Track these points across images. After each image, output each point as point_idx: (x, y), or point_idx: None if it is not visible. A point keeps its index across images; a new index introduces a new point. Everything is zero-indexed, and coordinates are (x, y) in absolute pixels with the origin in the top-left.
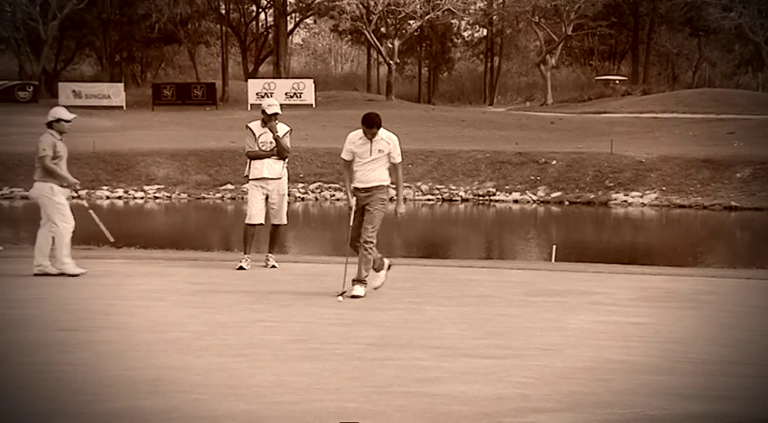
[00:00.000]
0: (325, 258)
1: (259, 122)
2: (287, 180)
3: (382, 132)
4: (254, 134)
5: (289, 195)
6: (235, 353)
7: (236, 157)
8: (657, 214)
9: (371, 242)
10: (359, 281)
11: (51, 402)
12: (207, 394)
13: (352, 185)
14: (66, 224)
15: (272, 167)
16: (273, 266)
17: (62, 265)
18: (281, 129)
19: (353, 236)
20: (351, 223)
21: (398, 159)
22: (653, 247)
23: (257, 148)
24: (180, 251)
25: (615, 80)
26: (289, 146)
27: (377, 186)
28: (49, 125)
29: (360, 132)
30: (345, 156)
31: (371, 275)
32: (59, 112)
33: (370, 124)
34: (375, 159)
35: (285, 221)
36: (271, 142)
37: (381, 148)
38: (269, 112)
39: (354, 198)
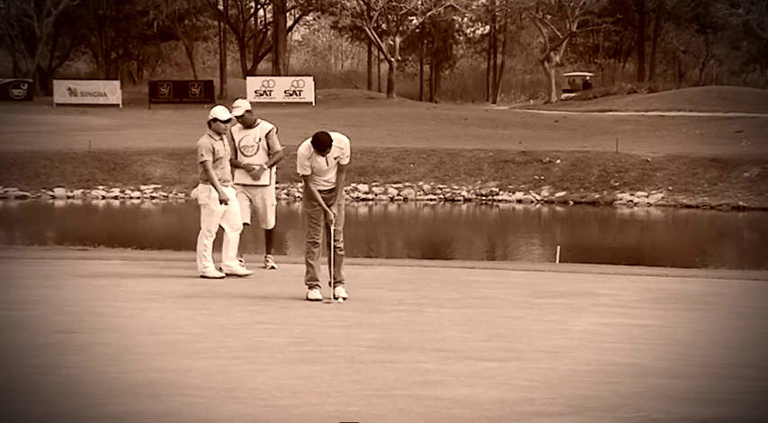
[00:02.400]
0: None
1: (239, 125)
2: (274, 187)
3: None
4: (233, 139)
5: (288, 195)
6: (234, 355)
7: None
8: (664, 214)
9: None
10: (341, 282)
11: (50, 405)
12: (206, 397)
13: (313, 188)
14: (230, 229)
15: (253, 173)
16: (273, 267)
17: (228, 268)
18: (263, 128)
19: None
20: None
21: (346, 161)
22: (659, 247)
23: (240, 154)
24: (177, 252)
25: (585, 76)
26: (278, 146)
27: (336, 186)
28: (209, 124)
29: (309, 147)
30: (304, 171)
31: None
32: (216, 112)
33: (323, 148)
34: (333, 166)
35: (272, 225)
36: (252, 146)
37: (336, 155)
38: (233, 114)
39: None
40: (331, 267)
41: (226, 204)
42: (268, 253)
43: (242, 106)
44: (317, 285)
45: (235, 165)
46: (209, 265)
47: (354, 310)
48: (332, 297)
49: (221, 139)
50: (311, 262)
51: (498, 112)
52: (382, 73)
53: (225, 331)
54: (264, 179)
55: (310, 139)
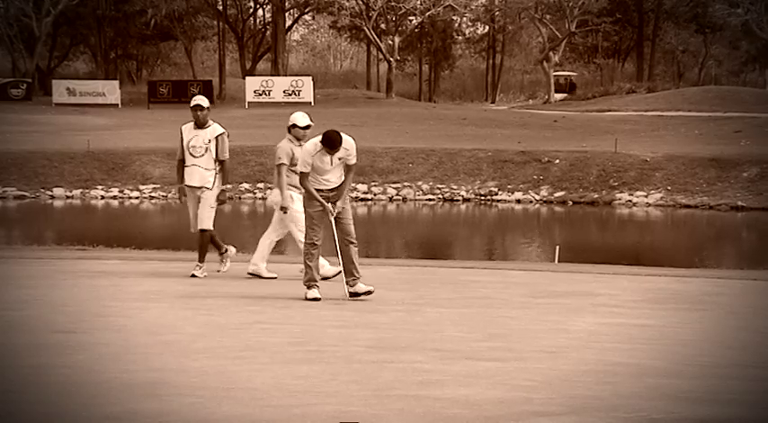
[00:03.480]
0: (323, 260)
1: (191, 124)
2: (216, 192)
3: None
4: (182, 138)
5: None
6: (232, 355)
7: (233, 156)
8: (663, 214)
9: (355, 239)
10: (358, 277)
11: (49, 406)
12: (204, 397)
13: (314, 187)
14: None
15: (199, 175)
16: (218, 271)
17: (255, 269)
18: (214, 130)
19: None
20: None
21: (353, 161)
22: (658, 247)
23: (188, 154)
24: (176, 252)
25: (570, 77)
26: (226, 153)
27: (341, 185)
28: (288, 130)
29: (317, 144)
30: (304, 168)
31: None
32: (295, 118)
33: (333, 146)
34: (336, 167)
35: (206, 226)
36: (201, 147)
37: (341, 156)
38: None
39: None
40: (346, 263)
41: (285, 212)
42: (198, 261)
43: (201, 102)
44: (316, 285)
45: (179, 167)
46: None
47: (353, 309)
48: (347, 293)
49: (300, 144)
50: (309, 263)
51: (497, 112)
52: (381, 73)
53: (224, 331)
54: (209, 182)
55: (319, 138)
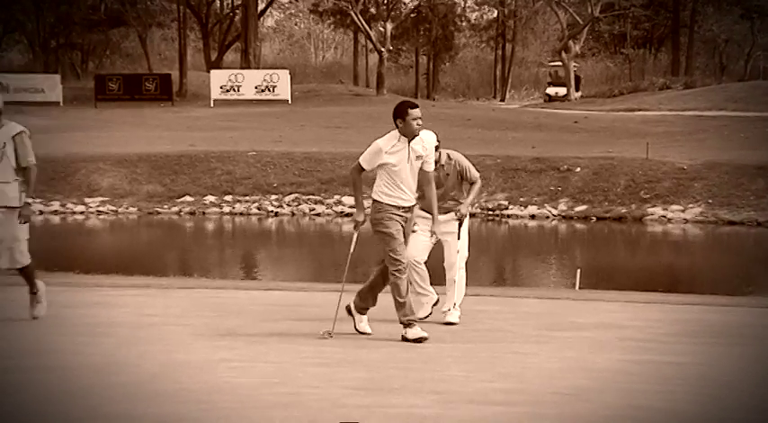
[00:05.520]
0: (303, 285)
1: None
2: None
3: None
4: None
5: (260, 209)
6: (195, 400)
7: (195, 164)
8: (702, 232)
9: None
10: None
11: None
12: None
13: (388, 202)
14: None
15: None
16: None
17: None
18: (10, 130)
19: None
20: (352, 249)
21: (432, 167)
22: (697, 271)
23: None
24: (129, 277)
25: (562, 67)
26: (31, 157)
27: (415, 204)
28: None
29: (393, 138)
30: (367, 165)
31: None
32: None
33: (413, 105)
34: (412, 168)
35: (25, 262)
36: None
37: (419, 154)
38: None
39: (363, 215)
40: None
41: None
42: (32, 292)
43: None
44: (414, 321)
45: None
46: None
47: (338, 345)
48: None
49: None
50: (405, 297)
51: (507, 112)
52: (371, 65)
53: (185, 370)
54: (13, 199)
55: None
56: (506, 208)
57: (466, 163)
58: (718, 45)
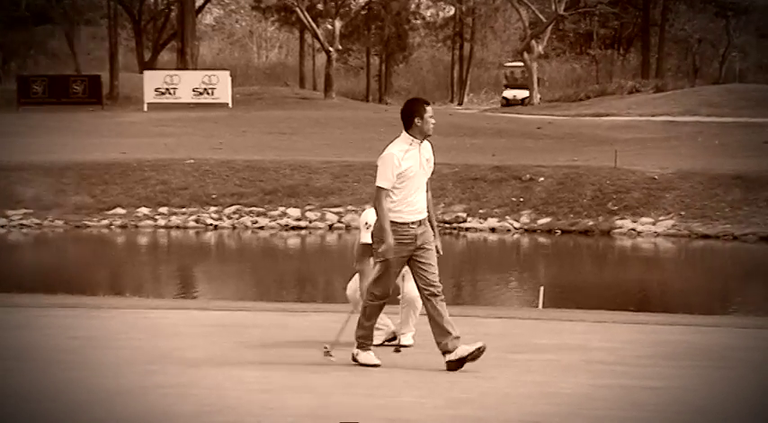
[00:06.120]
0: (245, 305)
1: None
2: None
3: None
4: None
5: (198, 222)
6: None
7: (127, 173)
8: (675, 246)
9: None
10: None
11: None
12: None
13: (397, 220)
14: None
15: None
16: None
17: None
18: None
19: (387, 289)
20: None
21: (430, 172)
22: (669, 289)
23: None
24: (55, 296)
25: (521, 67)
26: None
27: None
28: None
29: (403, 142)
30: (390, 182)
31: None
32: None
33: (427, 102)
34: (425, 173)
35: None
36: None
37: (428, 157)
38: None
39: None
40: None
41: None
42: None
43: None
44: (370, 345)
45: None
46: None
47: (283, 368)
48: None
49: None
50: (371, 321)
51: (466, 117)
52: (318, 66)
53: (115, 398)
54: None
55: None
56: (464, 220)
57: None
58: (690, 45)
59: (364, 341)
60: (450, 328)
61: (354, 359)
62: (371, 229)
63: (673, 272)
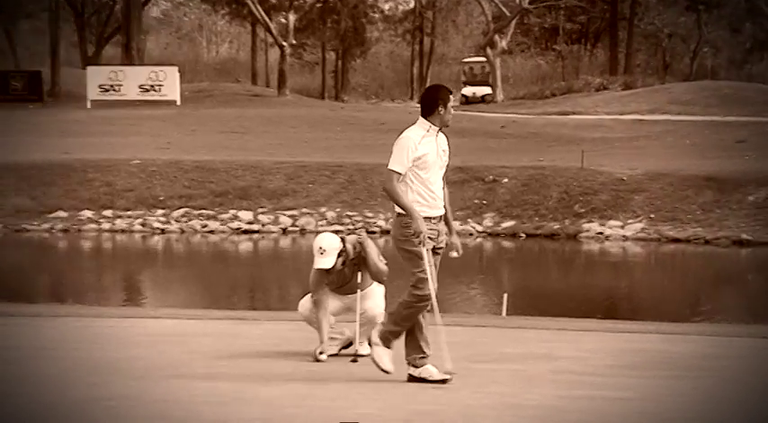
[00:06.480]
0: (194, 313)
1: None
2: None
3: None
4: None
5: (144, 226)
6: None
7: (70, 174)
8: (644, 251)
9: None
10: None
11: None
12: None
13: (420, 211)
14: None
15: None
16: None
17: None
18: None
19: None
20: (427, 267)
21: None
22: (638, 295)
23: None
24: None
25: (481, 63)
26: None
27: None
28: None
29: (421, 128)
30: (404, 166)
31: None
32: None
33: (450, 91)
34: (441, 164)
35: None
36: None
37: (444, 148)
38: None
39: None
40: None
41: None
42: None
43: None
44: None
45: None
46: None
47: (234, 379)
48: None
49: None
50: (423, 327)
51: None
52: (271, 62)
53: (54, 413)
54: None
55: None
56: None
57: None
58: (660, 40)
59: (390, 338)
60: (425, 346)
61: (362, 355)
62: (327, 253)
63: (642, 277)
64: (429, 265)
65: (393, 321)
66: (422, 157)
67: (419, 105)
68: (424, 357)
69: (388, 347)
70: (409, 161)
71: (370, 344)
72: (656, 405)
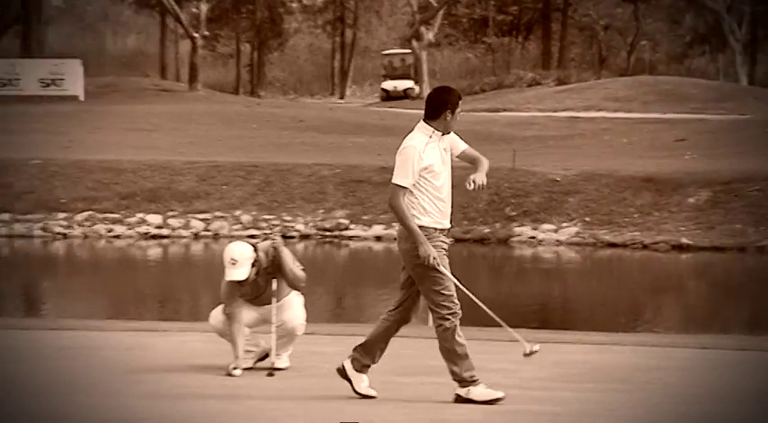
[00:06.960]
0: (99, 324)
1: None
2: None
3: None
4: None
5: (45, 230)
6: None
7: None
8: (579, 256)
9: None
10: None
11: None
12: None
13: (430, 224)
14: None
15: None
16: None
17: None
18: None
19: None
20: (447, 281)
21: (465, 144)
22: (573, 303)
23: None
24: None
25: (401, 55)
26: None
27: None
28: None
29: (423, 134)
30: (410, 179)
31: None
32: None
33: (460, 96)
34: (448, 171)
35: None
36: None
37: (445, 146)
38: None
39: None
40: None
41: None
42: None
43: None
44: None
45: None
46: None
47: (141, 396)
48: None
49: None
50: (461, 345)
51: (348, 112)
52: (182, 54)
53: None
54: None
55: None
56: (347, 228)
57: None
58: (596, 33)
59: (470, 375)
60: (376, 355)
61: (466, 399)
62: (240, 264)
63: (576, 284)
64: (449, 279)
65: (449, 358)
66: (428, 167)
67: (423, 107)
68: (366, 366)
69: (475, 380)
70: (415, 173)
71: (458, 398)
72: (587, 419)
